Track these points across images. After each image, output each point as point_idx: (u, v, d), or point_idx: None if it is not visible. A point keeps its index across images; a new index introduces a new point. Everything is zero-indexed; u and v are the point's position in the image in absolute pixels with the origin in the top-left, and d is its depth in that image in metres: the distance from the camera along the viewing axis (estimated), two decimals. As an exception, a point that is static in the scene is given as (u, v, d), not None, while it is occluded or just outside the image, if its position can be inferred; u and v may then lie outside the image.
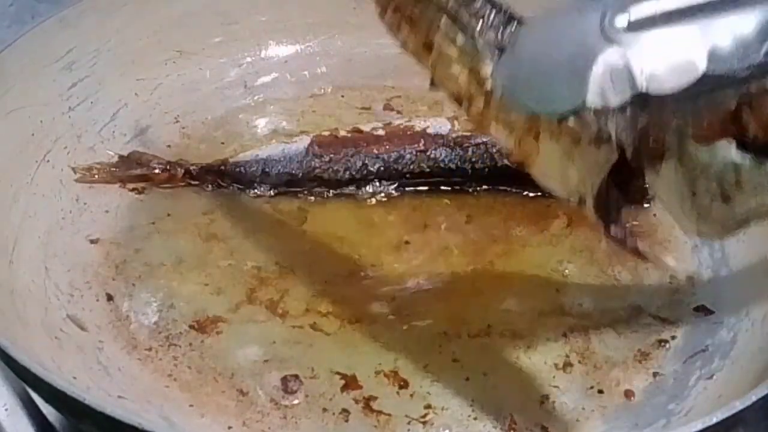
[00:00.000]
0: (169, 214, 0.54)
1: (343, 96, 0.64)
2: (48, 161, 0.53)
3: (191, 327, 0.47)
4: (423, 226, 0.54)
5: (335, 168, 0.55)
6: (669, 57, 0.35)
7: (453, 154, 0.55)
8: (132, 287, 0.49)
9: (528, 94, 0.39)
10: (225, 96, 0.63)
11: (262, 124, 0.61)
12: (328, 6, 0.67)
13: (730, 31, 0.35)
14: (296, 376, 0.45)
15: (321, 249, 0.52)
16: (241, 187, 0.55)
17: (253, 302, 0.49)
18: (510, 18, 0.41)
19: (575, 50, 0.38)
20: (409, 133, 0.56)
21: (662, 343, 0.47)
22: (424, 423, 0.43)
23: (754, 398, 0.36)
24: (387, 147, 0.55)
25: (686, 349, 0.47)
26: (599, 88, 0.37)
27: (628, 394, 0.45)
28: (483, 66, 0.40)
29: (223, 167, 0.56)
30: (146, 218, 0.53)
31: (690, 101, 0.35)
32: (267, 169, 0.55)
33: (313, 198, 0.55)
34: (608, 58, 0.36)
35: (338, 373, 0.45)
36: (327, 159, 0.55)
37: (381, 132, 0.56)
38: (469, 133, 0.55)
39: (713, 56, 0.35)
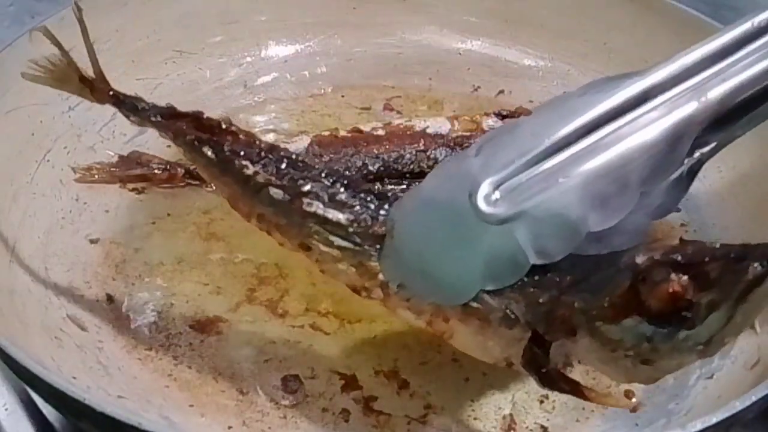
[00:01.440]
0: (168, 214, 0.54)
1: (343, 96, 0.64)
2: (48, 161, 0.53)
3: (191, 327, 0.47)
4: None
5: (335, 168, 0.55)
6: (550, 224, 0.34)
7: (453, 154, 0.55)
8: (132, 287, 0.49)
9: (421, 285, 0.38)
10: (225, 95, 0.63)
11: (261, 124, 0.61)
12: (328, 6, 0.67)
13: (603, 183, 0.34)
14: (296, 376, 0.45)
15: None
16: None
17: (253, 302, 0.49)
18: (380, 198, 0.40)
19: (454, 236, 0.36)
20: (409, 133, 0.56)
21: (662, 343, 0.47)
22: (424, 423, 0.43)
23: (754, 398, 0.36)
24: (387, 147, 0.55)
25: (686, 349, 0.47)
26: (490, 271, 0.36)
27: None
28: (369, 261, 0.39)
29: None
30: (146, 218, 0.53)
31: (586, 282, 0.35)
32: None
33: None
34: (488, 240, 0.35)
35: (338, 373, 0.45)
36: (327, 159, 0.55)
37: (381, 132, 0.56)
38: (469, 133, 0.55)
39: (596, 212, 0.34)
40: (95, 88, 0.45)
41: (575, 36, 0.65)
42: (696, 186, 0.54)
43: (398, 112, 0.62)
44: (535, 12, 0.66)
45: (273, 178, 0.41)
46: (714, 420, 0.35)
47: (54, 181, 0.52)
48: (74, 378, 0.41)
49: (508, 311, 0.37)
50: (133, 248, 0.51)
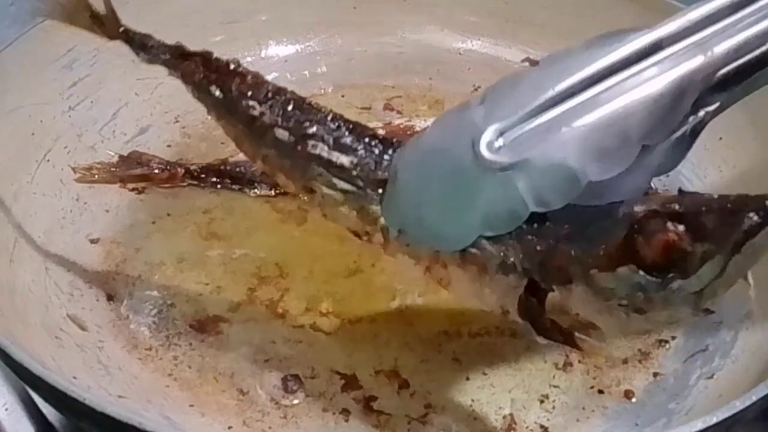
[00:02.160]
0: (169, 214, 0.54)
1: (343, 96, 0.64)
2: (48, 160, 0.53)
3: (191, 326, 0.47)
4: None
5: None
6: (550, 173, 0.34)
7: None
8: (132, 287, 0.49)
9: (420, 232, 0.38)
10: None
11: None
12: (328, 5, 0.67)
13: (604, 135, 0.34)
14: (296, 376, 0.44)
15: (321, 249, 0.52)
16: (240, 187, 0.55)
17: (254, 302, 0.48)
18: (384, 144, 0.40)
19: (455, 183, 0.36)
20: (409, 132, 0.56)
21: (662, 343, 0.47)
22: (424, 423, 0.43)
23: (754, 398, 0.36)
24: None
25: (686, 349, 0.47)
26: (489, 218, 0.36)
27: (629, 393, 0.45)
28: (371, 205, 0.40)
29: (223, 167, 0.55)
30: (146, 217, 0.53)
31: (583, 232, 0.35)
32: None
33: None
34: (489, 188, 0.35)
35: (338, 372, 0.45)
36: None
37: (381, 132, 0.56)
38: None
39: (595, 163, 0.34)
40: (106, 23, 0.46)
41: (575, 36, 0.64)
42: (696, 185, 0.54)
43: (399, 112, 0.62)
44: (535, 12, 0.66)
45: (279, 120, 0.41)
46: (714, 420, 0.35)
47: (54, 180, 0.52)
48: (75, 378, 0.41)
49: (505, 258, 0.37)
50: (133, 248, 0.51)
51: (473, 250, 0.37)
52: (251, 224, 0.53)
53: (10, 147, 0.51)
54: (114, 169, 0.55)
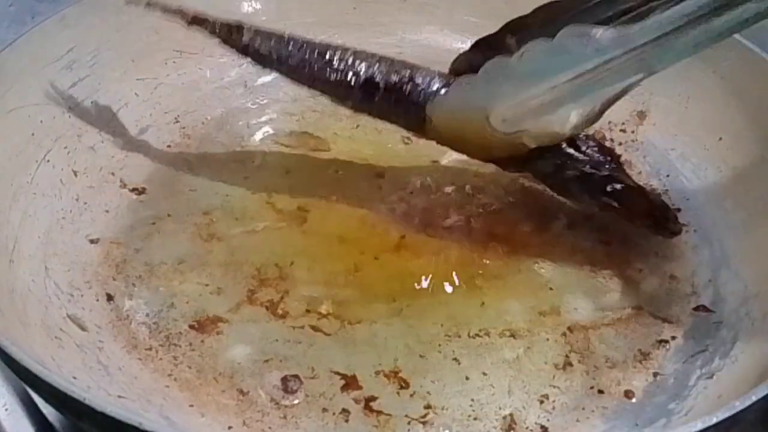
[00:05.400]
0: (169, 215, 0.54)
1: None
2: (48, 161, 0.53)
3: (191, 327, 0.47)
4: (423, 226, 0.54)
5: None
6: (543, 135, 0.48)
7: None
8: (132, 287, 0.49)
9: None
10: (225, 96, 0.63)
11: (262, 125, 0.61)
12: (328, 6, 0.67)
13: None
14: (296, 376, 0.44)
15: (321, 249, 0.52)
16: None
17: (254, 302, 0.48)
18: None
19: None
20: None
21: (662, 343, 0.47)
22: (424, 423, 0.43)
23: (754, 398, 0.36)
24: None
25: (686, 349, 0.47)
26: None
27: (628, 393, 0.45)
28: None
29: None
30: (146, 218, 0.53)
31: None
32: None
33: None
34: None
35: (338, 373, 0.45)
36: None
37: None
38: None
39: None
40: None
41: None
42: (696, 185, 0.54)
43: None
44: (535, 12, 0.66)
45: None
46: (714, 420, 0.35)
47: (54, 181, 0.52)
48: (74, 378, 0.41)
49: None
50: (133, 248, 0.51)
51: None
52: (251, 226, 0.53)
53: (10, 147, 0.51)
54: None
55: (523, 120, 0.48)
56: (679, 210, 0.54)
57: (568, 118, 0.47)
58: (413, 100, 0.50)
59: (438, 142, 0.52)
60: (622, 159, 0.55)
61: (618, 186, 0.49)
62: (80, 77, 0.57)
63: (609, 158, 0.50)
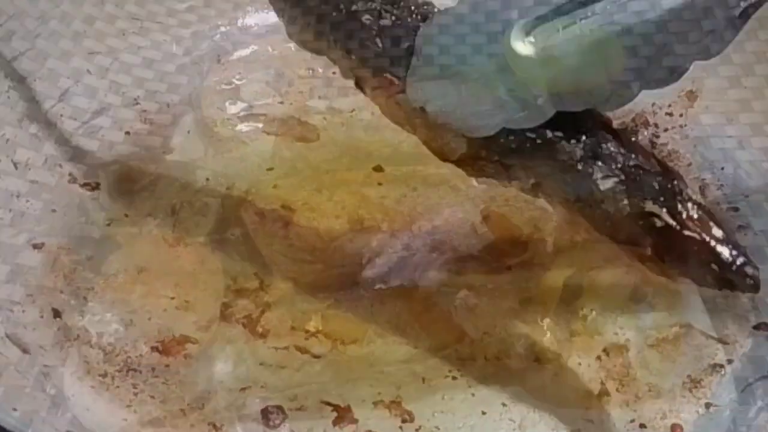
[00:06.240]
0: (126, 215, 0.54)
1: (334, 72, 0.64)
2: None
3: (154, 349, 0.47)
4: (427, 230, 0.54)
5: None
6: (575, 72, 0.41)
7: None
8: (83, 301, 0.49)
9: (442, 111, 0.44)
10: (194, 73, 0.63)
11: (237, 107, 0.61)
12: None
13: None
14: (279, 408, 0.44)
15: (308, 255, 0.52)
16: None
17: (228, 319, 0.48)
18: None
19: (482, 60, 0.43)
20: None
21: (716, 368, 0.47)
22: (432, 464, 0.43)
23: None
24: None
25: (745, 375, 0.47)
26: (512, 108, 0.42)
27: (676, 428, 0.45)
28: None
29: None
30: (100, 219, 0.53)
31: None
32: None
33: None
34: (515, 72, 0.42)
35: (329, 403, 0.45)
36: None
37: None
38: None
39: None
40: None
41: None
42: (756, 179, 0.54)
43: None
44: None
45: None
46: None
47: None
48: (14, 410, 0.41)
49: None
50: (84, 255, 0.51)
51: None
52: (225, 227, 0.53)
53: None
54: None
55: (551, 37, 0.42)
56: (736, 210, 0.54)
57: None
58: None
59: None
60: (668, 148, 0.55)
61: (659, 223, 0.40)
62: (21, 50, 0.56)
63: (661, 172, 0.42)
